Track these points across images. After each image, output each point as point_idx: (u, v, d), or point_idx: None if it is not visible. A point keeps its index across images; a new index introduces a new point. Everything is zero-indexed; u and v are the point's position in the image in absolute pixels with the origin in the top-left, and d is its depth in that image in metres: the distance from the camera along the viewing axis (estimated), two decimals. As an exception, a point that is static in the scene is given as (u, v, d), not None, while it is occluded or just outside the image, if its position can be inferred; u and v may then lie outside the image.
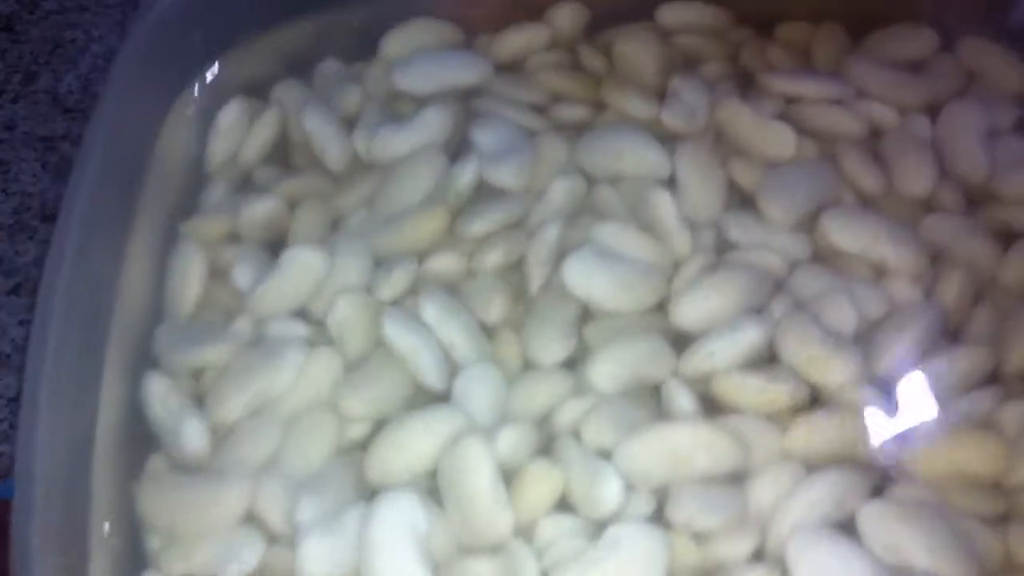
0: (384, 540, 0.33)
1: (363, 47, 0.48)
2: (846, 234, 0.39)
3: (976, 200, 0.40)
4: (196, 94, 0.46)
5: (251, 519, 0.36)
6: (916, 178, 0.40)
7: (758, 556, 0.33)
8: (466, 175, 0.42)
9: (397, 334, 0.38)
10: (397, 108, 0.46)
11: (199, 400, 0.39)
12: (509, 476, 0.35)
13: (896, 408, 0.35)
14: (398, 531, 0.33)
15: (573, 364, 0.38)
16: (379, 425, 0.37)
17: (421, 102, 0.45)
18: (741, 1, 0.46)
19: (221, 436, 0.38)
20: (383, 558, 0.33)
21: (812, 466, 0.34)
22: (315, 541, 0.33)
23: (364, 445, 0.36)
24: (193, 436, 0.37)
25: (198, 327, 0.40)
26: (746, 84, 0.45)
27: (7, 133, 0.53)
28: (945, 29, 0.44)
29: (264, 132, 0.45)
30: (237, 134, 0.46)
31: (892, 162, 0.41)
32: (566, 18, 0.47)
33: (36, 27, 0.55)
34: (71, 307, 0.38)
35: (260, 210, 0.43)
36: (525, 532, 0.34)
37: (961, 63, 0.43)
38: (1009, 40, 0.43)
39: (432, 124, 0.44)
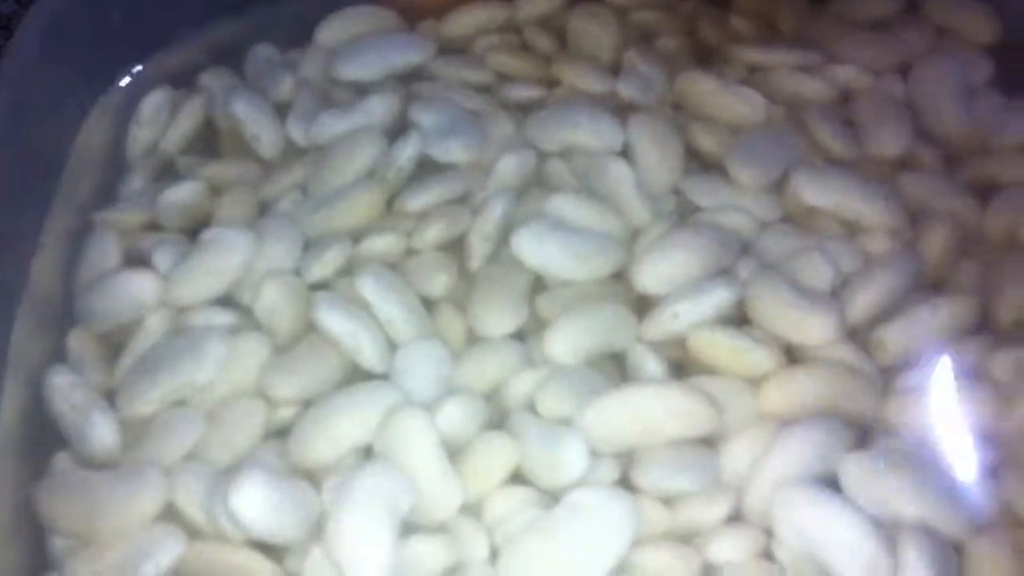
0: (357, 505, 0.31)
1: (298, 36, 0.48)
2: (818, 190, 0.38)
3: (954, 158, 0.41)
4: (124, 86, 0.46)
5: (170, 515, 0.34)
6: (890, 139, 0.41)
7: (736, 518, 0.32)
8: (407, 151, 0.42)
9: (331, 317, 0.37)
10: (334, 95, 0.46)
11: (112, 396, 0.37)
12: (456, 451, 0.34)
13: (877, 360, 0.35)
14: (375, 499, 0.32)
15: (525, 338, 0.37)
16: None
17: (360, 89, 0.45)
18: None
19: (136, 432, 0.36)
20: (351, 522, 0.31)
21: (790, 424, 0.33)
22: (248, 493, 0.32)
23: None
24: (101, 432, 0.36)
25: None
26: (703, 56, 0.45)
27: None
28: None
29: (188, 119, 0.45)
30: (160, 122, 0.45)
31: (864, 124, 0.41)
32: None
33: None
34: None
35: (180, 194, 0.42)
36: (476, 509, 0.33)
37: (929, 21, 0.44)
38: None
39: (376, 108, 0.44)
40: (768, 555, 0.31)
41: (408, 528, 0.32)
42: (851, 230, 0.38)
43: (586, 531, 0.31)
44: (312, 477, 0.34)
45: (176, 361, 0.37)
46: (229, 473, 0.33)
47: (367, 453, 0.34)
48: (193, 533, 0.33)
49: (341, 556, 0.31)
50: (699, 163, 0.42)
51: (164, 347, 0.38)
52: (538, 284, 0.39)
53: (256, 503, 0.32)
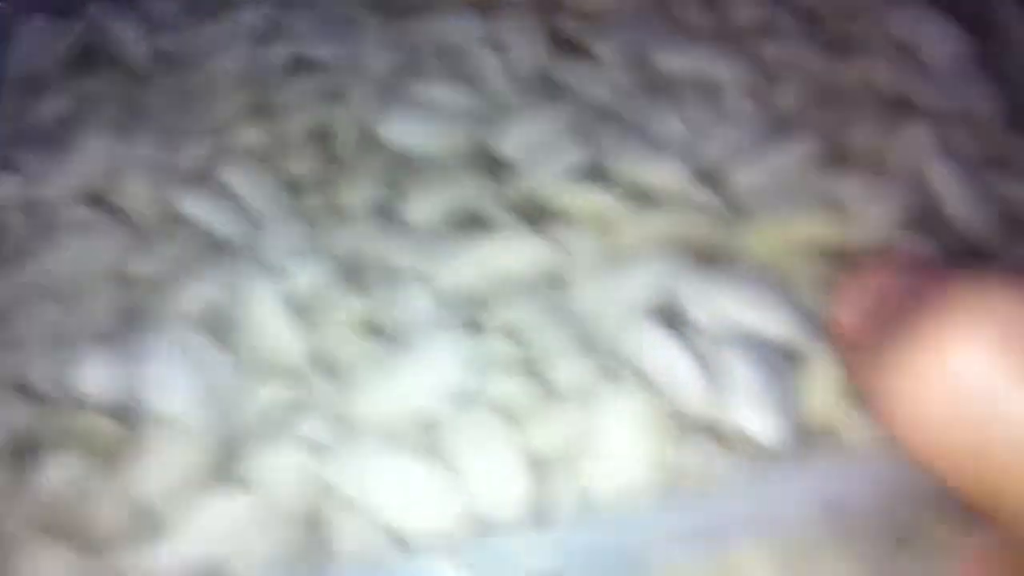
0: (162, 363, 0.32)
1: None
2: (676, 57, 0.39)
3: (814, 23, 0.41)
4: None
5: (17, 389, 0.34)
6: (749, 6, 0.41)
7: (583, 348, 0.31)
8: (278, 52, 0.42)
9: (194, 205, 0.37)
10: (205, 5, 0.46)
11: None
12: (308, 308, 0.34)
13: (728, 198, 0.34)
14: (178, 357, 0.32)
15: (389, 214, 0.37)
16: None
17: (233, 5, 0.45)
18: None
19: (-6, 322, 0.36)
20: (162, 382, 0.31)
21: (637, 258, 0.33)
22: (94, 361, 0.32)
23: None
24: None
25: None
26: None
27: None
28: None
29: (64, 41, 0.45)
30: (36, 47, 0.45)
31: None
32: None
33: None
34: None
35: (52, 105, 0.42)
36: (326, 359, 0.33)
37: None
38: None
39: (247, 14, 0.44)
40: (614, 376, 0.31)
41: (252, 378, 0.32)
42: (708, 92, 0.39)
43: (429, 369, 0.31)
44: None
45: (34, 252, 0.37)
46: (73, 348, 0.33)
47: (219, 318, 0.34)
48: (39, 402, 0.33)
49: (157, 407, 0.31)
50: (565, 49, 0.42)
51: (23, 241, 0.38)
52: (403, 161, 0.38)
53: (97, 376, 0.33)
